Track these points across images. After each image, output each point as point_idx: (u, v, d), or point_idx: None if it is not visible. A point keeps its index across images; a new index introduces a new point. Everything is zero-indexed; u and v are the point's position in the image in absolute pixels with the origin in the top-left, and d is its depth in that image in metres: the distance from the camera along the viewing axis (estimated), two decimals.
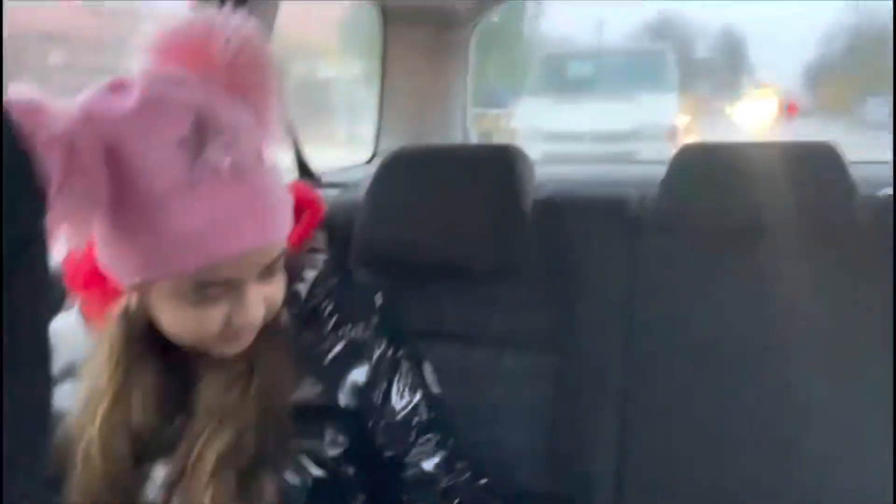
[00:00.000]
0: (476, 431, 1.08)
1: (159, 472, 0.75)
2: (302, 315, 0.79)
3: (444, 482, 0.82)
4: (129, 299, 0.72)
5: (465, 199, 1.11)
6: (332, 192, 1.40)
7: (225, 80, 0.67)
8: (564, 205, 1.17)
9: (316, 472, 0.76)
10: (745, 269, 1.06)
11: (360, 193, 1.20)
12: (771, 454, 1.01)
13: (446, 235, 1.11)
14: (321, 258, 0.83)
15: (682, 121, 5.21)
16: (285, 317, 0.77)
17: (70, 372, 0.74)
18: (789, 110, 5.10)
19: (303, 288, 0.80)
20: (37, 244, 0.37)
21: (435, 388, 0.87)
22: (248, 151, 0.66)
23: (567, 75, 5.48)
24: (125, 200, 0.64)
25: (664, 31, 7.00)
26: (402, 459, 0.82)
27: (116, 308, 0.72)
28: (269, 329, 0.74)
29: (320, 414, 0.78)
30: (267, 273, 0.70)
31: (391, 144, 1.60)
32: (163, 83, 0.65)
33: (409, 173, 1.16)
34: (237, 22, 0.67)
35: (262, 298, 0.70)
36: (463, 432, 1.07)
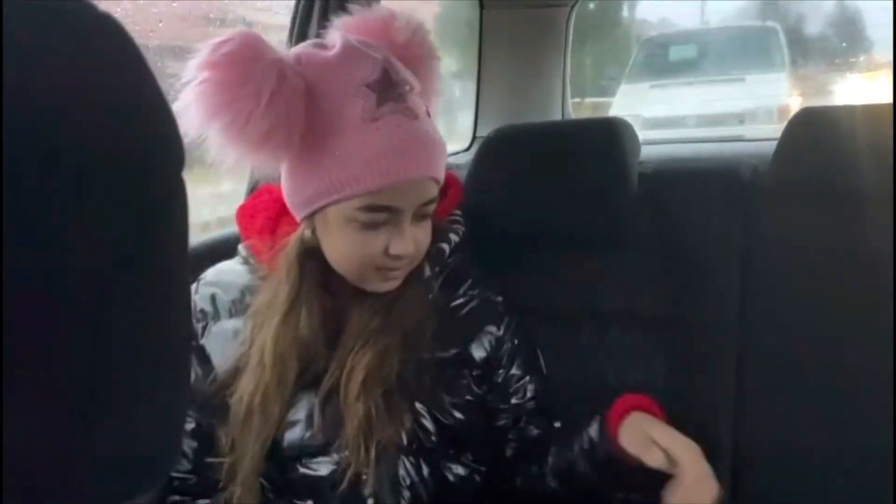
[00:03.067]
0: (585, 408, 1.07)
1: (305, 398, 0.84)
2: (444, 274, 0.90)
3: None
4: (304, 231, 0.82)
5: (570, 174, 1.10)
6: None
7: (399, 55, 0.80)
8: (672, 176, 1.14)
9: (448, 415, 0.85)
10: (865, 234, 1.00)
11: (462, 174, 1.20)
12: (890, 424, 0.94)
13: (551, 211, 1.10)
14: (461, 229, 0.94)
15: (794, 101, 4.93)
16: (428, 271, 0.88)
17: (236, 309, 0.85)
18: None
19: (446, 248, 0.91)
20: (178, 199, 0.39)
21: (544, 370, 0.96)
22: (419, 103, 0.78)
23: (668, 59, 5.30)
24: (318, 132, 0.75)
25: (773, 7, 6.63)
26: (509, 430, 0.92)
27: (293, 239, 0.82)
28: (412, 275, 0.85)
29: (456, 363, 0.88)
30: (421, 214, 0.80)
31: (490, 130, 1.60)
32: (357, 41, 0.78)
33: (512, 150, 1.16)
34: (408, 14, 0.83)
35: (415, 238, 0.80)
36: (572, 410, 1.07)
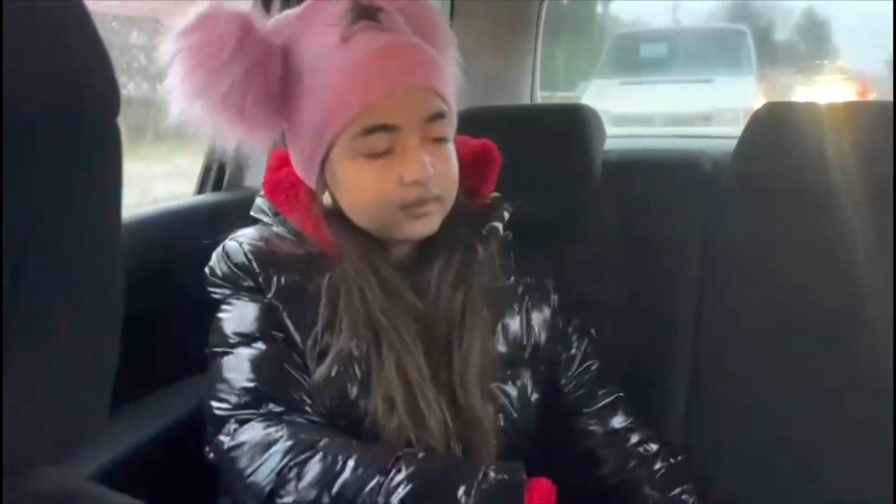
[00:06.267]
0: None
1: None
2: (502, 251, 0.85)
3: (633, 439, 0.90)
4: (322, 198, 0.77)
5: (534, 159, 1.08)
6: None
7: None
8: (635, 165, 1.14)
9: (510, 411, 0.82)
10: (821, 230, 1.01)
11: None
12: (846, 422, 0.96)
13: (513, 195, 1.09)
14: (509, 207, 0.88)
15: (760, 103, 4.98)
16: (481, 252, 0.81)
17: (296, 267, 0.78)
18: (861, 93, 4.86)
19: (499, 226, 0.85)
20: (111, 146, 0.37)
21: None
22: (401, 27, 0.74)
23: (639, 57, 5.34)
24: (302, 86, 0.73)
25: (742, 12, 6.73)
26: (585, 409, 0.90)
27: (317, 211, 0.78)
28: (465, 257, 0.80)
29: (520, 350, 0.85)
30: (432, 137, 0.74)
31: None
32: None
33: (477, 133, 1.15)
34: None
35: (429, 160, 0.73)
36: None
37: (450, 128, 0.77)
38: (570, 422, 0.90)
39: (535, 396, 0.85)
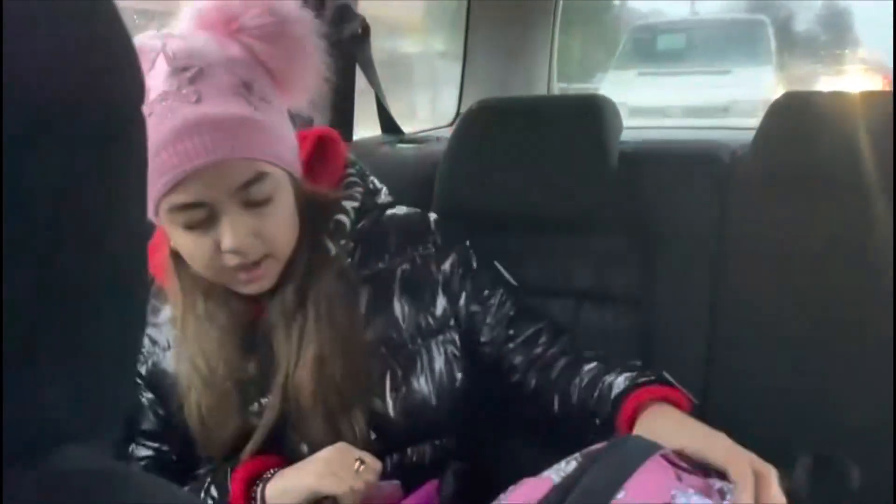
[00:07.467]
0: None
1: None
2: (356, 245, 0.83)
3: (561, 362, 0.86)
4: (171, 244, 0.77)
5: (550, 150, 1.09)
6: (415, 146, 1.40)
7: (250, 44, 0.72)
8: (652, 156, 1.13)
9: (408, 400, 0.80)
10: (841, 220, 0.99)
11: (442, 147, 1.19)
12: (863, 412, 0.95)
13: (529, 187, 1.09)
14: (359, 191, 0.85)
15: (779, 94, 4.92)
16: (332, 248, 0.80)
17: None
18: (884, 84, 4.79)
19: (345, 220, 0.82)
20: (135, 133, 0.38)
21: (512, 281, 0.92)
22: (221, 84, 0.69)
23: (656, 48, 5.29)
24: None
25: (762, 2, 6.65)
26: (509, 344, 0.87)
27: (167, 251, 0.78)
28: (313, 261, 0.78)
29: (410, 338, 0.83)
30: (249, 201, 0.71)
31: None
32: (150, 34, 0.71)
33: (493, 124, 1.15)
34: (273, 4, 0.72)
35: (249, 229, 0.71)
36: None
37: (273, 186, 0.73)
38: (497, 363, 0.88)
39: (429, 380, 0.82)
